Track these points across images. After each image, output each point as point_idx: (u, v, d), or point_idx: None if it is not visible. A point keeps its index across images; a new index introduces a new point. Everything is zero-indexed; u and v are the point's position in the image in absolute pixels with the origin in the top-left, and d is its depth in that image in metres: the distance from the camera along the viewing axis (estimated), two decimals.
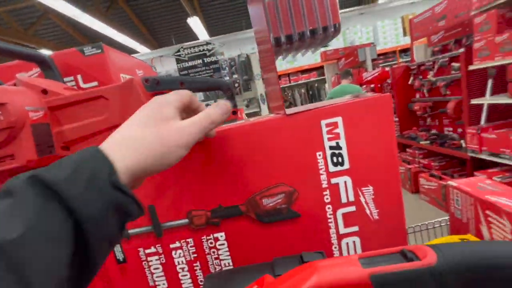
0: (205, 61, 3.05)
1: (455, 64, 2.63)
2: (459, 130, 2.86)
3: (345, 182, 0.42)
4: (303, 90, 8.21)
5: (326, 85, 7.19)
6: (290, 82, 8.06)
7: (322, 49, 6.82)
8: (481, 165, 2.34)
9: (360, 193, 0.43)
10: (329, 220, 0.43)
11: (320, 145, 0.41)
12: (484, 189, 0.87)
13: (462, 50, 2.38)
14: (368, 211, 0.43)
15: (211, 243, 0.44)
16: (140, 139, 0.26)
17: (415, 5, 7.78)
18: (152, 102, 0.29)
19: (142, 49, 7.31)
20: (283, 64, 7.77)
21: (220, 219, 0.43)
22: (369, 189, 0.42)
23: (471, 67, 2.22)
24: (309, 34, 0.39)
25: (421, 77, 3.32)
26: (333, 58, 5.70)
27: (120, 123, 0.49)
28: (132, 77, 0.45)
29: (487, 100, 2.20)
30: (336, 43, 7.75)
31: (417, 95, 3.47)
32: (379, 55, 7.19)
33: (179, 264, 0.44)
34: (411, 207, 2.81)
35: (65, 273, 0.19)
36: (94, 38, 6.74)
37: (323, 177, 0.42)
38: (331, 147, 0.41)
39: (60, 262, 0.19)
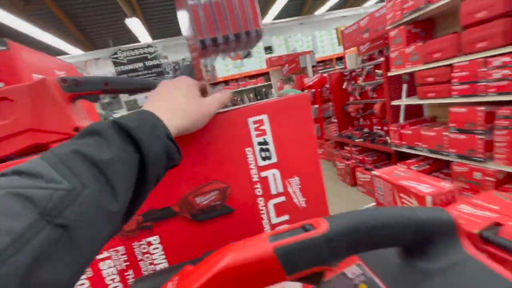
0: (147, 65, 2.89)
1: (378, 71, 3.03)
2: (385, 128, 3.29)
3: (273, 174, 0.45)
4: (251, 95, 8.41)
5: (273, 90, 7.51)
6: (238, 87, 8.19)
7: (268, 56, 7.11)
8: (403, 157, 2.73)
9: (288, 184, 0.46)
10: (262, 212, 0.46)
11: (249, 141, 0.44)
12: (399, 175, 1.02)
13: (382, 59, 2.76)
14: (296, 200, 0.47)
15: (144, 248, 0.42)
16: (185, 109, 0.35)
17: (346, 18, 8.70)
18: (180, 83, 0.37)
19: (74, 51, 6.56)
20: (231, 69, 7.87)
21: (153, 222, 0.42)
22: (295, 180, 0.47)
23: (389, 74, 2.59)
24: (234, 37, 0.41)
25: (353, 82, 3.73)
26: (277, 64, 5.99)
27: (32, 127, 0.44)
28: (45, 77, 0.41)
29: (403, 101, 2.58)
30: (280, 50, 8.18)
31: (351, 98, 3.88)
32: (318, 62, 7.83)
33: (108, 275, 0.42)
34: (350, 198, 3.11)
35: (131, 194, 0.27)
36: (10, 37, 5.78)
37: (254, 171, 0.44)
38: (259, 143, 0.44)
39: (131, 185, 0.26)
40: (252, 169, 0.44)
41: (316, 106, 4.65)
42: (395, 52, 2.45)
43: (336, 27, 8.08)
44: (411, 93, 2.61)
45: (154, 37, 7.20)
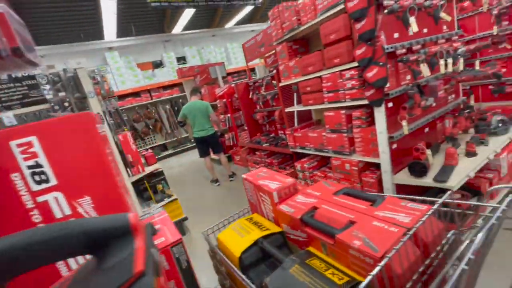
0: (14, 76, 2.42)
1: (274, 82, 3.35)
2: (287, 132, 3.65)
3: (55, 197, 0.43)
4: (168, 106, 8.05)
5: None
6: (152, 99, 7.72)
7: (180, 66, 6.97)
8: (301, 156, 3.08)
9: (77, 205, 0.45)
10: None
11: (15, 167, 0.41)
12: (260, 176, 1.13)
13: (275, 71, 3.07)
14: None
15: None
16: None
17: (255, 32, 9.35)
18: None
19: None
20: (141, 80, 7.36)
21: None
22: (86, 200, 0.46)
23: (280, 84, 2.90)
24: None
25: (257, 92, 4.02)
26: (189, 75, 5.92)
27: None
28: None
29: (295, 108, 2.93)
30: (194, 61, 8.14)
31: (258, 107, 4.17)
32: (233, 72, 8.13)
33: None
34: None
35: None
36: None
37: (26, 197, 0.41)
38: (29, 167, 0.41)
39: None
40: (23, 195, 0.41)
41: (228, 115, 4.80)
42: (282, 65, 2.76)
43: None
44: (299, 100, 2.99)
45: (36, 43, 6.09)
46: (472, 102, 2.15)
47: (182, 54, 8.31)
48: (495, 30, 2.87)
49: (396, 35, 1.72)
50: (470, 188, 1.78)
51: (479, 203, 0.67)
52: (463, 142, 1.93)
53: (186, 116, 3.97)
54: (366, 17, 1.53)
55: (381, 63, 1.57)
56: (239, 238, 0.91)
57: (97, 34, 6.96)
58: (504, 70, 3.00)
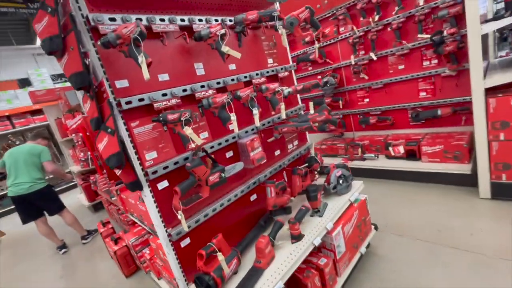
0: None
1: None
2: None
3: None
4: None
5: None
6: (14, 127, 6.02)
7: (30, 89, 5.56)
8: None
9: None
10: None
11: None
12: None
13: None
14: None
15: None
16: None
17: None
18: None
19: None
20: None
21: None
22: None
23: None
24: None
25: None
26: (46, 100, 4.61)
27: None
28: None
29: None
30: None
31: None
32: None
33: None
34: None
35: None
36: None
37: None
38: None
39: None
40: None
41: (89, 153, 3.76)
42: None
43: None
44: None
45: None
46: (312, 152, 1.72)
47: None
48: (352, 59, 2.68)
49: (164, 77, 1.11)
50: None
51: None
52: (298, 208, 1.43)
53: (5, 163, 2.84)
54: (66, 51, 0.87)
55: (109, 130, 0.92)
56: None
57: None
58: (366, 100, 2.84)
